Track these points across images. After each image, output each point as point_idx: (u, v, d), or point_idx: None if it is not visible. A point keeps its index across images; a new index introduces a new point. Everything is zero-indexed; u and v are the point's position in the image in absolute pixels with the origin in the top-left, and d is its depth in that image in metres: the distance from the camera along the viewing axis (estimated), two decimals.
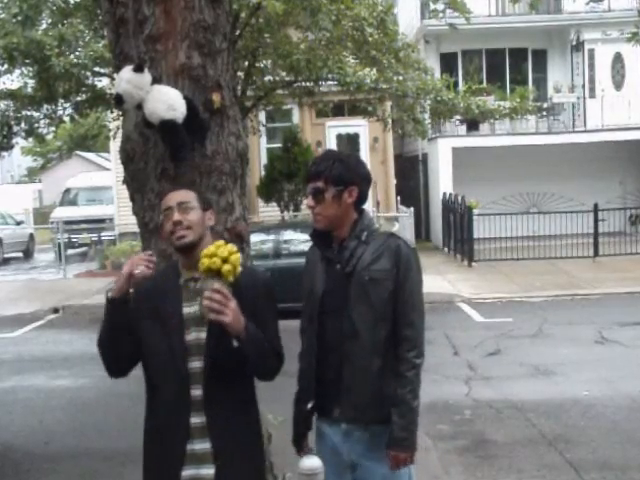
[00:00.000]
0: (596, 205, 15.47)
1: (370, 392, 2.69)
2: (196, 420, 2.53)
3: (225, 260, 2.38)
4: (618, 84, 18.91)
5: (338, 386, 2.72)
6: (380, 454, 2.71)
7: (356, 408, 2.71)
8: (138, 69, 3.04)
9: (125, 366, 2.72)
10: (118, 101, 3.11)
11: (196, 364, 2.52)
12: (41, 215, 31.49)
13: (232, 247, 2.42)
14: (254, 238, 8.44)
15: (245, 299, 2.52)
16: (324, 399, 2.77)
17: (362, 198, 2.78)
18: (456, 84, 16.87)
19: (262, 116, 16.44)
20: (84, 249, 20.14)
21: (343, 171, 2.72)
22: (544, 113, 18.30)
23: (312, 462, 2.75)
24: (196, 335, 2.55)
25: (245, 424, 2.62)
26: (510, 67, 19.62)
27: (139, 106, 3.09)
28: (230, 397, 2.55)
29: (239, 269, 2.41)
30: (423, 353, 2.75)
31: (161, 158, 3.23)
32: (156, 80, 3.13)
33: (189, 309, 2.56)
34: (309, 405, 2.80)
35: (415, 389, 2.71)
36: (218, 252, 2.38)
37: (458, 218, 16.13)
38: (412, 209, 16.59)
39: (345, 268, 2.72)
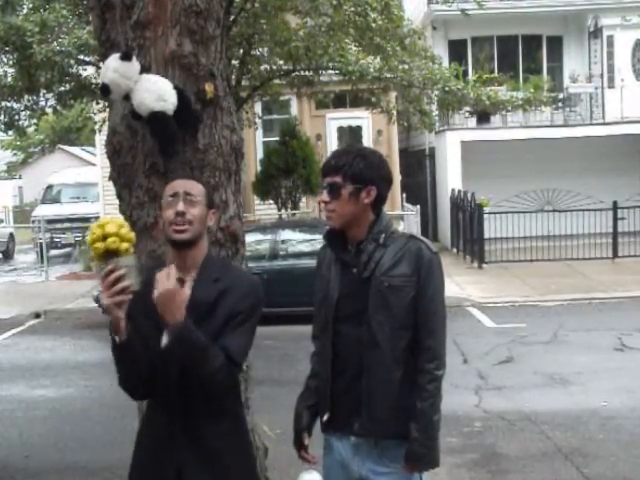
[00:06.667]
0: (615, 203, 15.47)
1: (390, 405, 2.70)
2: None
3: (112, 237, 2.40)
4: (639, 73, 18.90)
5: (356, 398, 2.72)
6: (390, 469, 2.71)
7: (376, 421, 2.71)
8: (126, 57, 3.05)
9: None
10: (104, 91, 3.11)
11: None
12: (21, 213, 31.56)
13: (116, 221, 2.47)
14: (249, 238, 8.44)
15: (225, 300, 2.56)
16: (337, 410, 2.77)
17: (380, 200, 2.76)
18: (465, 73, 16.88)
19: (258, 107, 16.45)
20: (68, 250, 20.15)
21: (364, 168, 2.70)
22: (560, 104, 18.29)
23: (312, 477, 2.75)
24: None
25: (226, 432, 2.63)
26: (523, 55, 19.61)
27: (127, 97, 3.10)
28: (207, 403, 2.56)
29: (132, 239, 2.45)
30: (445, 364, 2.74)
31: (150, 152, 3.24)
32: (145, 69, 3.14)
33: None
34: (325, 417, 2.80)
35: (436, 402, 2.71)
36: (107, 230, 2.40)
37: (468, 217, 16.14)
38: (418, 207, 16.59)
39: (362, 273, 2.71)
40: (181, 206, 2.56)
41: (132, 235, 2.48)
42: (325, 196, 2.73)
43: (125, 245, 2.41)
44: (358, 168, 2.70)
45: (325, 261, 2.85)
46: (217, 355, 2.47)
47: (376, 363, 2.69)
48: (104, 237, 2.38)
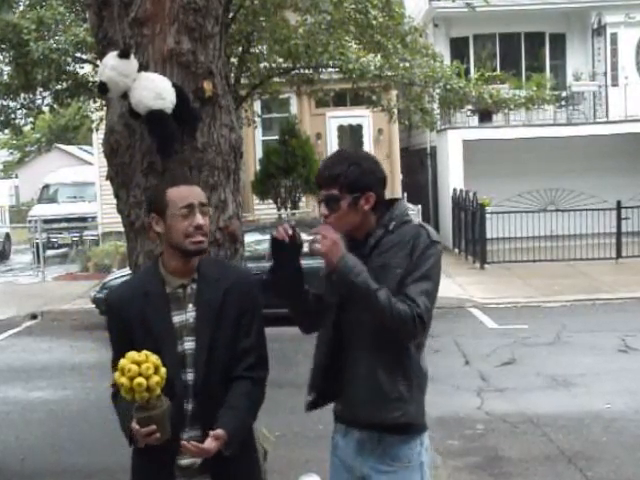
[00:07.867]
0: (619, 202, 15.47)
1: (366, 389, 2.67)
2: (189, 435, 2.56)
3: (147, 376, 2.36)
4: None
5: (340, 381, 2.73)
6: (393, 468, 2.71)
7: (352, 406, 2.72)
8: (123, 55, 3.05)
9: None
10: (102, 90, 3.12)
11: (190, 376, 2.57)
12: (18, 213, 31.52)
13: (147, 358, 2.39)
14: (249, 238, 8.44)
15: (231, 297, 2.59)
16: (326, 392, 2.79)
17: (379, 201, 2.73)
18: (467, 71, 16.86)
19: (257, 106, 16.44)
20: (64, 250, 20.13)
21: (360, 176, 2.66)
22: (563, 103, 18.27)
23: (311, 479, 2.76)
24: (191, 345, 2.59)
25: None
26: (526, 53, 19.60)
27: (124, 95, 3.10)
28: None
29: (163, 378, 2.39)
30: (416, 334, 2.63)
31: (148, 151, 3.23)
32: (143, 67, 3.14)
33: (180, 317, 2.60)
34: (309, 397, 2.81)
35: (389, 313, 2.56)
36: (142, 370, 2.35)
37: (469, 216, 16.13)
38: (419, 207, 16.58)
39: (368, 257, 2.68)
40: (200, 219, 2.55)
41: (162, 373, 2.39)
42: (324, 209, 2.70)
43: (155, 393, 2.36)
44: (354, 176, 2.65)
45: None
46: (257, 403, 2.68)
47: (359, 344, 2.68)
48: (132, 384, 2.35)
